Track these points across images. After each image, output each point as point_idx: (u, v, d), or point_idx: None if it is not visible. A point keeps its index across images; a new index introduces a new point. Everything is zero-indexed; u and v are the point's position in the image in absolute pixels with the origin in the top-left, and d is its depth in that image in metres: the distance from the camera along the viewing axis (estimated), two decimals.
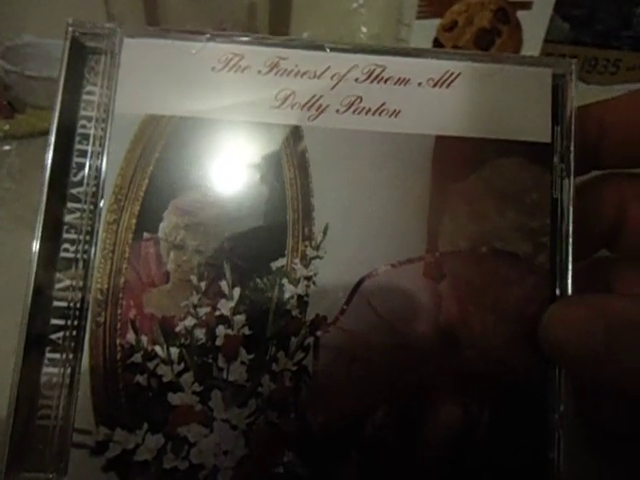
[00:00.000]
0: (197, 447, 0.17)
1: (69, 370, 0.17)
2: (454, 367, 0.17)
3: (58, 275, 0.18)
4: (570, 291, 0.17)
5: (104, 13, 0.33)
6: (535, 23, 0.30)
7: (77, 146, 0.19)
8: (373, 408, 0.17)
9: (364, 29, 0.31)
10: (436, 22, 0.29)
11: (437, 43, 0.29)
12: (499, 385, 0.17)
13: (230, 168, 0.18)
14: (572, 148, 0.18)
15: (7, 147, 0.35)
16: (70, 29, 0.18)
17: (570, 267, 0.17)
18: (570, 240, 0.17)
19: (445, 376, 0.17)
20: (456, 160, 0.18)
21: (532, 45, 0.31)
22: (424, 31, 0.28)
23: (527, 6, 0.30)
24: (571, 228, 0.17)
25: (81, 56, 0.19)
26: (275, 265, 0.17)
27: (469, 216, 0.18)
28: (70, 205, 0.18)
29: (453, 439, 0.17)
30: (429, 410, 0.17)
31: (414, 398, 0.17)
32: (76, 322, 0.18)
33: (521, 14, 0.29)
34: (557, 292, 0.17)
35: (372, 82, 0.18)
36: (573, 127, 0.18)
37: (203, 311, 0.17)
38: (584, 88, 0.32)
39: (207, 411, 0.17)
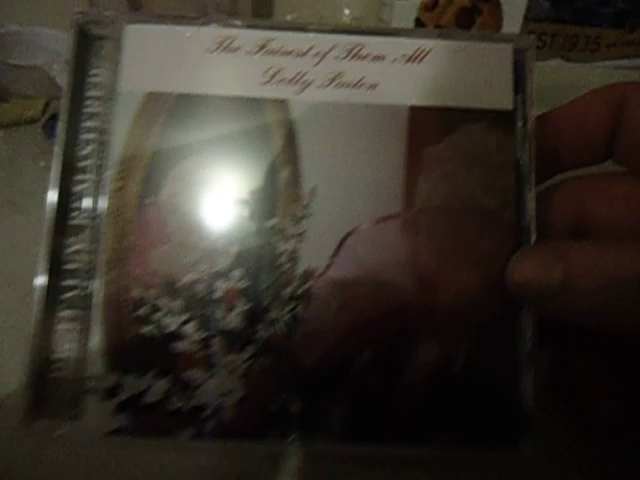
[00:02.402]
0: (200, 389, 0.18)
1: (81, 325, 0.19)
2: (431, 311, 0.19)
3: (69, 240, 0.20)
4: (533, 243, 0.19)
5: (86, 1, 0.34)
6: (515, 1, 0.31)
7: (84, 124, 0.20)
8: (359, 351, 0.19)
9: (347, 11, 0.32)
10: (417, 2, 0.30)
11: (419, 23, 0.30)
12: (473, 326, 0.19)
13: (224, 138, 0.20)
14: (532, 114, 0.20)
15: None
16: (76, 18, 0.20)
17: (533, 221, 0.19)
18: (533, 197, 0.19)
19: (423, 320, 0.19)
20: (428, 127, 0.20)
21: (512, 23, 0.31)
22: (406, 11, 0.29)
23: None
24: (533, 186, 0.19)
25: (87, 42, 0.21)
26: (268, 224, 0.19)
27: (442, 177, 0.20)
28: (79, 177, 0.20)
29: (432, 377, 0.19)
30: (409, 351, 0.19)
31: (396, 341, 0.19)
32: (87, 282, 0.19)
33: None
34: (523, 243, 0.19)
35: (351, 59, 0.20)
36: (533, 95, 0.20)
37: (203, 267, 0.19)
38: (566, 66, 0.33)
39: (208, 357, 0.19)
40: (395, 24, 0.30)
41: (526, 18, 0.32)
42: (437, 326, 0.19)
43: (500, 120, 0.20)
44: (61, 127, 0.20)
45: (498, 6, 0.31)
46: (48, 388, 0.19)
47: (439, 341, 0.19)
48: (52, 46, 0.37)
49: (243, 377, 0.18)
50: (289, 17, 0.31)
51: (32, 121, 0.37)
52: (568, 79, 0.20)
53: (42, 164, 0.34)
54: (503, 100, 0.20)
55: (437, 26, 0.30)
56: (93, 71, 0.21)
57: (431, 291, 0.19)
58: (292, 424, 0.18)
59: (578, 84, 0.21)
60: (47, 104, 0.36)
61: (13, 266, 0.28)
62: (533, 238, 0.19)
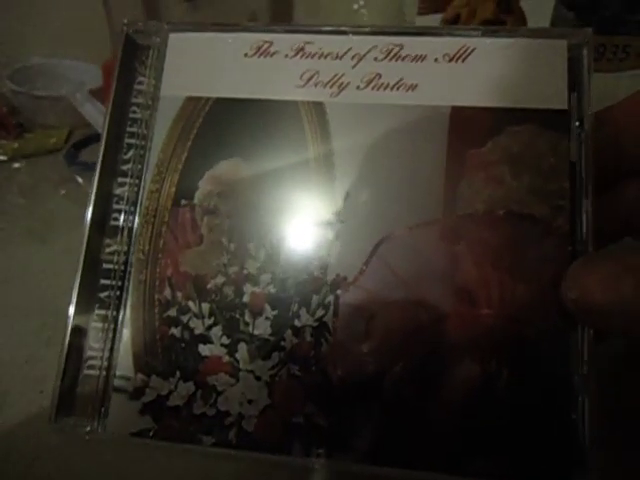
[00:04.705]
0: (224, 395, 0.18)
1: (112, 325, 0.19)
2: (471, 325, 0.17)
3: (107, 241, 0.20)
4: (591, 253, 0.17)
5: (107, 32, 0.36)
6: (539, 12, 0.29)
7: (128, 129, 0.21)
8: (391, 363, 0.17)
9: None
10: (438, 17, 0.29)
11: None
12: (517, 344, 0.17)
13: (259, 141, 0.20)
14: (589, 113, 0.18)
15: (17, 165, 0.36)
16: (125, 28, 0.21)
17: (591, 229, 0.17)
18: (590, 202, 0.17)
19: (462, 334, 0.17)
20: (472, 128, 0.19)
21: None
22: None
23: None
24: (591, 192, 0.18)
25: (133, 51, 0.21)
26: (299, 228, 0.19)
27: (485, 181, 0.18)
28: (120, 180, 0.21)
29: (470, 395, 0.17)
30: (446, 366, 0.17)
31: (431, 354, 0.17)
32: (120, 282, 0.20)
33: (524, 3, 0.29)
34: (577, 253, 0.17)
35: (390, 60, 0.19)
36: (591, 93, 0.18)
37: (232, 270, 0.19)
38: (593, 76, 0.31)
39: (234, 362, 0.18)
40: None
41: None
42: (477, 341, 0.17)
43: (553, 120, 0.18)
44: (104, 133, 0.21)
45: (522, 17, 0.30)
46: (78, 386, 0.19)
47: (479, 357, 0.17)
48: (75, 77, 0.38)
49: (268, 386, 0.18)
50: None
51: (54, 150, 0.38)
52: (596, 90, 0.18)
53: (63, 192, 0.34)
54: (556, 99, 0.18)
55: None
56: (139, 79, 0.22)
57: (470, 303, 0.17)
58: (317, 439, 0.17)
59: (606, 95, 0.19)
60: (70, 133, 0.37)
61: (30, 296, 0.28)
62: (590, 249, 0.17)
